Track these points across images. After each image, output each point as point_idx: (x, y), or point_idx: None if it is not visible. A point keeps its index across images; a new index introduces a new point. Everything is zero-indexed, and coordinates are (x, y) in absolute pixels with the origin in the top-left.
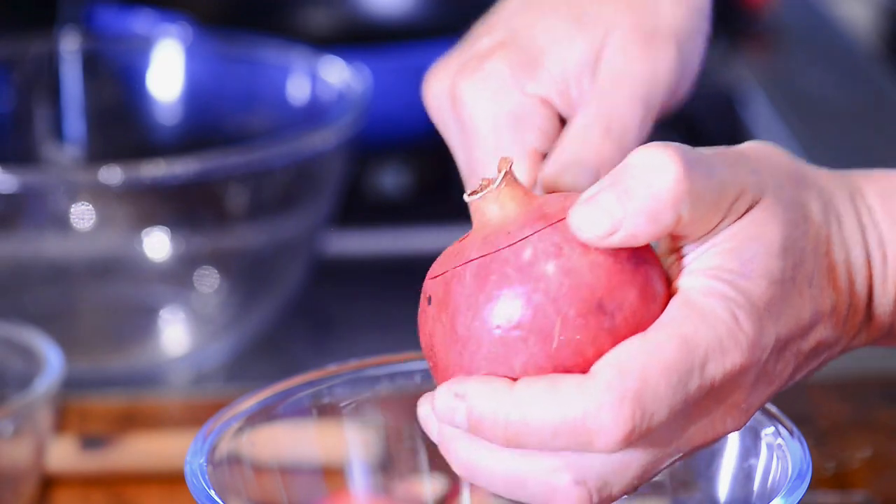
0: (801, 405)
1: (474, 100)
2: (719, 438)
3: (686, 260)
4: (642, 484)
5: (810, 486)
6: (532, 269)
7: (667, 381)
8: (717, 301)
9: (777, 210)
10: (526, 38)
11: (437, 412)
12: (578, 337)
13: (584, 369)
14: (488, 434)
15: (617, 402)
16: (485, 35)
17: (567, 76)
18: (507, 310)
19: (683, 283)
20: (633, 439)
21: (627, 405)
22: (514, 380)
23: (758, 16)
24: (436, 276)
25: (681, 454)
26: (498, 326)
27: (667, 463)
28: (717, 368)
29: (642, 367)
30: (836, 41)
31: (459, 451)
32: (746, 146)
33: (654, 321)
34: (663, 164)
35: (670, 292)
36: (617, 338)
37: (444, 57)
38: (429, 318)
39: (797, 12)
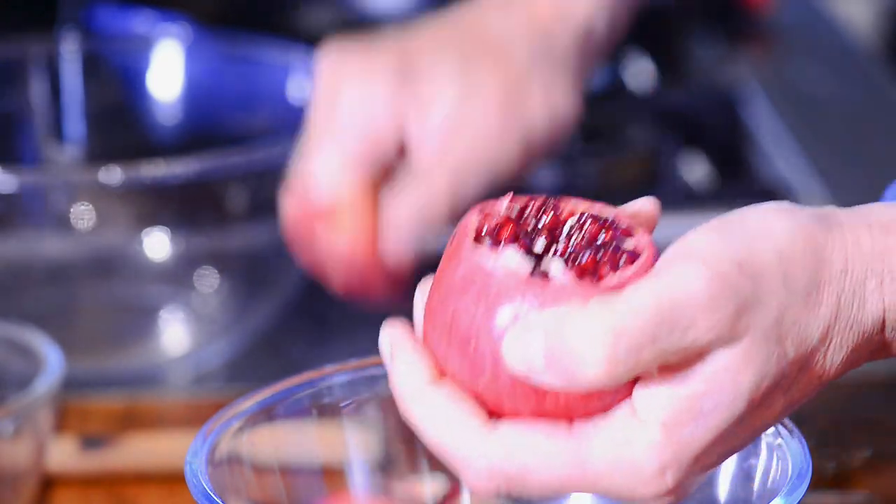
0: (801, 405)
1: (356, 95)
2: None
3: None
4: None
5: (810, 486)
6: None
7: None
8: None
9: (752, 352)
10: (414, 57)
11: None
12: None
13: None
14: (396, 399)
15: (487, 472)
16: (387, 40)
17: (429, 107)
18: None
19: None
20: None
21: (497, 478)
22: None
23: (758, 16)
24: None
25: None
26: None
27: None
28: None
29: (526, 465)
30: (836, 41)
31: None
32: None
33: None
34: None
35: None
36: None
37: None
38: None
39: (797, 12)
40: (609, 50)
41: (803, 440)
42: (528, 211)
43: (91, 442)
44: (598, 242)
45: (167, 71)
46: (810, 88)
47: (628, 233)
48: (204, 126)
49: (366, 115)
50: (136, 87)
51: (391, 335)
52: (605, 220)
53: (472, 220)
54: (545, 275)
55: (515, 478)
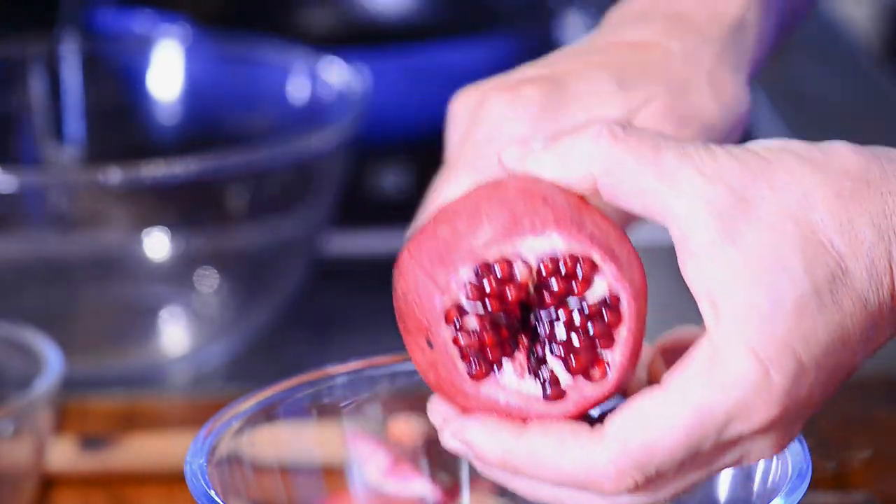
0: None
1: (499, 114)
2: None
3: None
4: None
5: (810, 486)
6: None
7: (672, 454)
8: (747, 360)
9: (786, 226)
10: (565, 80)
11: (445, 445)
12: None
13: None
14: (494, 466)
15: (615, 474)
16: (529, 68)
17: None
18: None
19: (713, 330)
20: (639, 491)
21: (627, 475)
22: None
23: None
24: None
25: (710, 476)
26: None
27: (698, 483)
28: (742, 427)
29: (648, 444)
30: (836, 41)
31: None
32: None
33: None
34: None
35: None
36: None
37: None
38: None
39: None
40: (771, 41)
41: (803, 440)
42: (485, 295)
43: (91, 442)
44: (575, 319)
45: (167, 71)
46: (810, 88)
47: (593, 269)
48: (204, 126)
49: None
50: (136, 87)
51: (444, 416)
52: (566, 270)
53: (434, 304)
54: (554, 382)
55: (644, 461)
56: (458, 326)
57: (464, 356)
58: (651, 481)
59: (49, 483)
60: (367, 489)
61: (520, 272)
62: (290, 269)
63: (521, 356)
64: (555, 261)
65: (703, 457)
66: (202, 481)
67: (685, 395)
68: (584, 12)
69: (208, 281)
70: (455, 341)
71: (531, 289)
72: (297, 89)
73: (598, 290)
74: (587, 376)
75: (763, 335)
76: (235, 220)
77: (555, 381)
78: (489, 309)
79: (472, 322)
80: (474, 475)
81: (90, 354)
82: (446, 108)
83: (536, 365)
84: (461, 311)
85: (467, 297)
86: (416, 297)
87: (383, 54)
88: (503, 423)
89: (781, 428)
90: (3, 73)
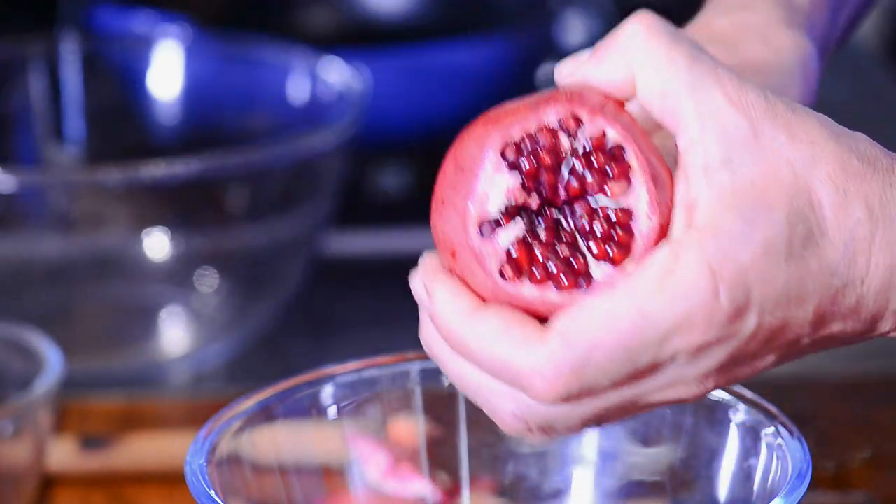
0: (801, 405)
1: None
2: (674, 404)
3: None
4: (591, 427)
5: (810, 486)
6: None
7: (611, 358)
8: (700, 273)
9: (785, 175)
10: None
11: (412, 284)
12: None
13: None
14: (441, 333)
15: (553, 373)
16: None
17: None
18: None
19: (675, 232)
20: (570, 401)
21: (563, 377)
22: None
23: None
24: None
25: (631, 412)
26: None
27: (616, 417)
28: (680, 344)
29: (589, 343)
30: None
31: (426, 335)
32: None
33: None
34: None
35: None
36: None
37: None
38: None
39: None
40: (832, 10)
41: (803, 440)
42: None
43: (91, 442)
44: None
45: (167, 71)
46: None
47: (614, 160)
48: (204, 126)
49: None
50: (136, 87)
51: (424, 271)
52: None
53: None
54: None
55: (582, 366)
56: (488, 220)
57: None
58: (584, 392)
59: (49, 483)
60: (367, 489)
61: (553, 142)
62: (290, 269)
63: (546, 248)
64: (585, 141)
65: (638, 372)
66: (202, 481)
67: (633, 298)
68: (584, 12)
69: (208, 281)
70: (481, 227)
71: (564, 162)
72: (297, 89)
73: (626, 173)
74: (613, 263)
75: (725, 257)
76: (235, 220)
77: (577, 271)
78: (525, 177)
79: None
80: (474, 475)
81: (90, 354)
82: (446, 108)
83: (565, 253)
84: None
85: (506, 161)
86: (451, 183)
87: (383, 54)
88: (468, 295)
89: (715, 358)
90: (3, 73)
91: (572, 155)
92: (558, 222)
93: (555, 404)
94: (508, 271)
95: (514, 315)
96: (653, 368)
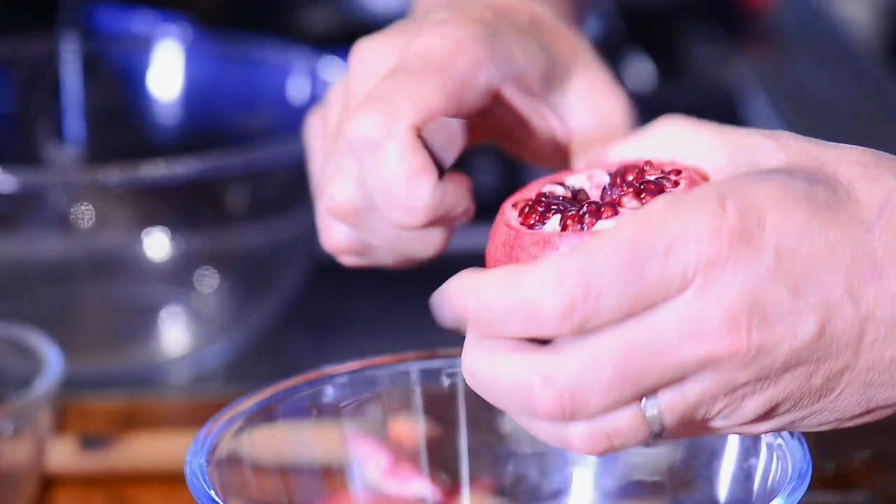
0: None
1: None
2: (709, 369)
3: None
4: (623, 402)
5: (810, 486)
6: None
7: (615, 262)
8: (709, 191)
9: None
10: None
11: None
12: None
13: None
14: (468, 314)
15: (558, 278)
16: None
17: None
18: None
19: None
20: (579, 315)
21: (569, 280)
22: None
23: (758, 16)
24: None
25: (664, 367)
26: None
27: (648, 375)
28: (688, 255)
29: (593, 246)
30: (836, 41)
31: (466, 354)
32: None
33: None
34: None
35: None
36: None
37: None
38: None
39: (797, 12)
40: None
41: (803, 440)
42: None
43: (91, 442)
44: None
45: (167, 71)
46: (810, 88)
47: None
48: (204, 126)
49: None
50: (136, 87)
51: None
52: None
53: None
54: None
55: (584, 267)
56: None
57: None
58: (594, 303)
59: (49, 483)
60: (367, 489)
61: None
62: (290, 269)
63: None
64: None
65: (648, 288)
66: (202, 481)
67: (642, 212)
68: None
69: (208, 281)
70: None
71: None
72: (297, 89)
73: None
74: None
75: (737, 185)
76: (235, 220)
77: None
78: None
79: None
80: (474, 475)
81: (90, 354)
82: None
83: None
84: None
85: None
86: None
87: None
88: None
89: (734, 296)
90: (3, 73)
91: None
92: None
93: (563, 321)
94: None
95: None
96: (663, 286)
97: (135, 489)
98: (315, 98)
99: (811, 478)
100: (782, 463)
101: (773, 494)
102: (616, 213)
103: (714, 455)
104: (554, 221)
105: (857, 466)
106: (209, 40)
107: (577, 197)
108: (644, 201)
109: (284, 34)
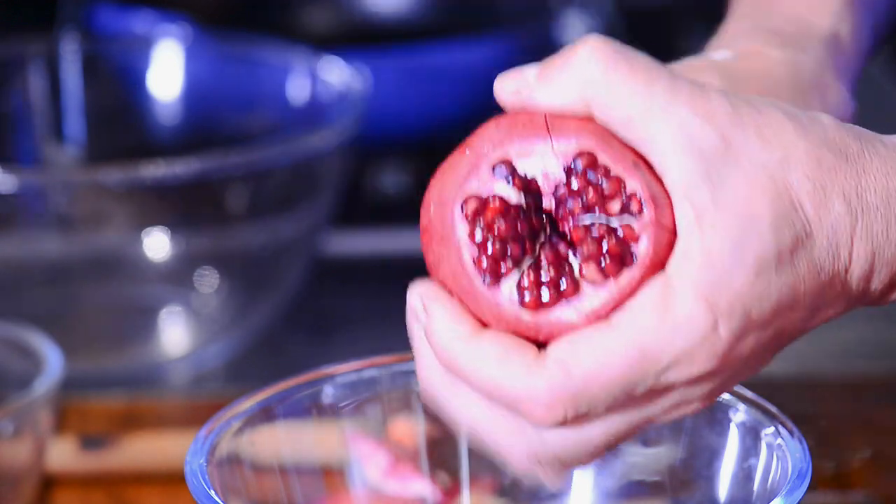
0: (801, 405)
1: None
2: (680, 419)
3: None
4: (600, 456)
5: (810, 486)
6: None
7: (608, 389)
8: (697, 306)
9: (761, 179)
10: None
11: (409, 299)
12: None
13: None
14: (437, 354)
15: (550, 398)
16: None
17: None
18: None
19: (670, 267)
20: (568, 425)
21: (561, 403)
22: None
23: None
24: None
25: (637, 430)
26: None
27: (622, 440)
28: (680, 375)
29: (587, 374)
30: None
31: (426, 373)
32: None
33: None
34: None
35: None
36: None
37: None
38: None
39: None
40: (866, 52)
41: (803, 440)
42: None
43: (91, 442)
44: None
45: (167, 71)
46: None
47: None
48: (204, 126)
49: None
50: (136, 87)
51: (423, 291)
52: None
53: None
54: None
55: (579, 394)
56: (475, 222)
57: (478, 260)
58: (580, 417)
59: (49, 483)
60: (367, 489)
61: (541, 171)
62: (290, 269)
63: (542, 272)
64: (577, 164)
65: (634, 400)
66: (202, 481)
67: (633, 332)
68: (584, 12)
69: (208, 281)
70: (472, 237)
71: (553, 191)
72: (297, 89)
73: (621, 194)
74: (614, 276)
75: (719, 286)
76: (235, 220)
77: (571, 294)
78: (511, 200)
79: (490, 217)
80: (474, 475)
81: (90, 354)
82: (446, 109)
83: (561, 275)
84: (480, 205)
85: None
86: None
87: (383, 54)
88: (467, 318)
89: (716, 381)
90: (3, 73)
91: (565, 184)
92: (554, 246)
93: (554, 428)
94: (509, 295)
95: (513, 340)
96: (651, 396)
97: (135, 489)
98: (315, 98)
99: (811, 478)
100: (782, 463)
101: (773, 494)
102: (577, 289)
103: (714, 455)
104: (511, 283)
105: (857, 466)
106: (209, 40)
107: (528, 207)
108: (608, 276)
109: (284, 34)
